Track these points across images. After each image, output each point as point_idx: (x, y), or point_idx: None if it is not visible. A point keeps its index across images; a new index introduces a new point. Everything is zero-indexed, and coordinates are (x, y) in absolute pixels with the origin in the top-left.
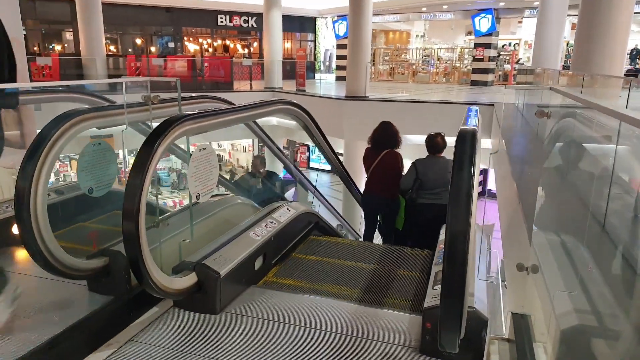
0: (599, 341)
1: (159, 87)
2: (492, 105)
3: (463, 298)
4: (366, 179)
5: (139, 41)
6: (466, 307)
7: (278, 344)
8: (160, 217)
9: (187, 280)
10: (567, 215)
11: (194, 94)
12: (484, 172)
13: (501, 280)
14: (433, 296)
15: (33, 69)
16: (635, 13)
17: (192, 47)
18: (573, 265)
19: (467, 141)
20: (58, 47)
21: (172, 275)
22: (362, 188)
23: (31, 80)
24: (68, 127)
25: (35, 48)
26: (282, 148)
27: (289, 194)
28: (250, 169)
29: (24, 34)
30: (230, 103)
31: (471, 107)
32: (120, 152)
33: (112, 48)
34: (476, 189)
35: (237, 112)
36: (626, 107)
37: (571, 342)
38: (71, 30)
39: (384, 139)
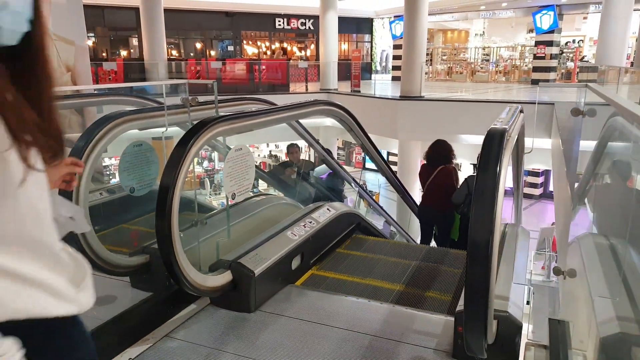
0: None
1: (198, 90)
2: (553, 104)
3: (487, 301)
4: (422, 192)
5: (199, 45)
6: (492, 311)
7: (312, 345)
8: (199, 216)
9: (222, 278)
10: (614, 220)
11: (235, 96)
12: (545, 173)
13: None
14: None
15: (100, 74)
16: None
17: (250, 50)
18: (619, 270)
19: (493, 142)
20: (124, 53)
21: (208, 274)
22: (414, 195)
23: (97, 83)
24: (109, 129)
25: (103, 54)
26: (337, 149)
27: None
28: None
29: (94, 41)
30: (272, 104)
31: (510, 106)
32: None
33: (174, 52)
34: (502, 190)
35: (273, 113)
36: None
37: (612, 350)
38: (136, 36)
39: (438, 155)
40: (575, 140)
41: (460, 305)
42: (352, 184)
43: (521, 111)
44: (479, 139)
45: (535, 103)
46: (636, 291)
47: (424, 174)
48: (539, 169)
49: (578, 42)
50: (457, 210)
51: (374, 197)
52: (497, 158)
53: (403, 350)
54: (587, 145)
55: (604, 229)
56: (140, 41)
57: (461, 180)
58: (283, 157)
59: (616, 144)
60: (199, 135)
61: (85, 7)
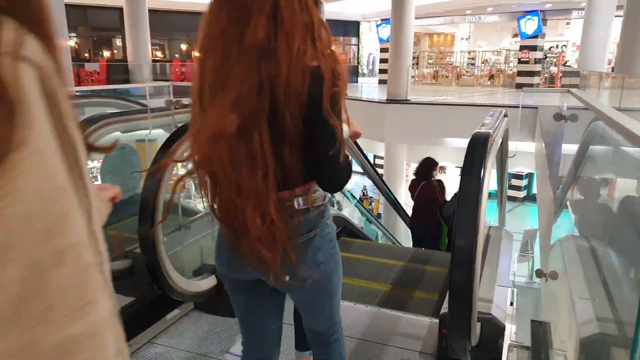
0: (619, 351)
1: (183, 92)
2: (537, 108)
3: (470, 305)
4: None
5: (184, 47)
6: (475, 313)
7: None
8: (183, 220)
9: (206, 282)
10: (595, 223)
11: None
12: (529, 176)
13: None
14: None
15: (82, 75)
16: None
17: None
18: (600, 272)
19: (477, 146)
20: (107, 54)
21: (192, 278)
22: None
23: (79, 85)
24: (92, 132)
25: (86, 54)
26: None
27: None
28: None
29: (76, 41)
30: None
31: (494, 110)
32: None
33: (158, 54)
34: (486, 194)
35: None
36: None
37: (591, 350)
38: (120, 36)
39: (422, 171)
40: (557, 144)
41: (445, 308)
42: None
43: (505, 115)
44: (464, 142)
45: (519, 107)
46: (615, 292)
47: (412, 188)
48: (522, 172)
49: (561, 47)
50: (447, 223)
51: (373, 204)
52: (481, 162)
53: (388, 353)
54: (570, 148)
55: (584, 231)
56: (124, 42)
57: (451, 194)
58: None
59: (597, 147)
60: (182, 138)
61: (67, 6)
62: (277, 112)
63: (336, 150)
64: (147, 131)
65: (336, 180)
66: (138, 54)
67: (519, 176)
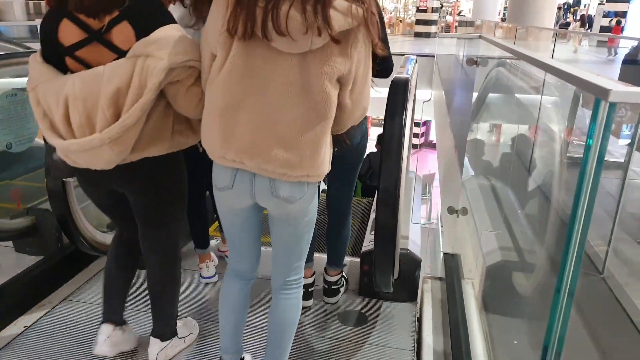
0: (519, 274)
1: None
2: (434, 56)
3: (395, 240)
4: None
5: None
6: (398, 249)
7: (215, 295)
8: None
9: None
10: (495, 161)
11: None
12: (426, 124)
13: (440, 226)
14: (370, 240)
15: None
16: None
17: None
18: (500, 207)
19: (398, 90)
20: None
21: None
22: None
23: None
24: None
25: None
26: None
27: None
28: None
29: None
30: None
31: (411, 57)
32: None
33: None
34: (409, 137)
35: None
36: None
37: (495, 276)
38: None
39: None
40: (462, 91)
41: (365, 247)
42: None
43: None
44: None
45: (418, 56)
46: (514, 224)
47: None
48: (420, 120)
49: None
50: (361, 180)
51: None
52: (403, 105)
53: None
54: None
55: (485, 171)
56: None
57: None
58: None
59: (495, 95)
60: None
61: None
62: None
63: None
64: None
65: None
66: None
67: (417, 124)
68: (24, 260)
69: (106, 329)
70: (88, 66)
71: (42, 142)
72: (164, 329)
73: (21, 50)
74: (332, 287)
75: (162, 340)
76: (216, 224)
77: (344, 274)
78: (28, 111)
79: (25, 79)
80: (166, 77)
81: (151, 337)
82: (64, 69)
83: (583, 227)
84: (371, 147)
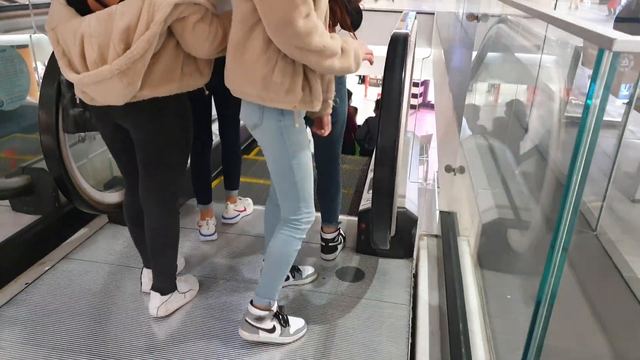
0: (514, 231)
1: None
2: (433, 14)
3: (392, 198)
4: None
5: None
6: (395, 207)
7: (215, 251)
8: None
9: (120, 195)
10: (494, 120)
11: None
12: (424, 84)
13: (437, 187)
14: (367, 199)
15: None
16: None
17: None
18: (497, 166)
19: (397, 45)
20: None
21: (104, 191)
22: None
23: None
24: None
25: None
26: None
27: None
28: None
29: None
30: None
31: (410, 13)
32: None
33: None
34: (408, 95)
35: None
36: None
37: (491, 234)
38: None
39: None
40: (461, 50)
41: (363, 205)
42: None
43: (415, 17)
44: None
45: (418, 13)
46: (510, 183)
47: None
48: (418, 80)
49: None
50: (360, 144)
51: None
52: (402, 60)
53: (311, 250)
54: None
55: (483, 131)
56: None
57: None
58: None
59: (494, 54)
60: None
61: None
62: None
63: None
64: (30, 33)
65: None
66: None
67: (415, 84)
68: (22, 219)
69: (147, 272)
70: (106, 5)
71: (34, 100)
72: (163, 283)
73: (6, 3)
74: (330, 244)
75: (162, 294)
76: (218, 179)
77: (341, 231)
78: (18, 68)
79: (14, 36)
80: (172, 12)
81: (151, 291)
82: (86, 11)
83: (579, 185)
84: (369, 112)
